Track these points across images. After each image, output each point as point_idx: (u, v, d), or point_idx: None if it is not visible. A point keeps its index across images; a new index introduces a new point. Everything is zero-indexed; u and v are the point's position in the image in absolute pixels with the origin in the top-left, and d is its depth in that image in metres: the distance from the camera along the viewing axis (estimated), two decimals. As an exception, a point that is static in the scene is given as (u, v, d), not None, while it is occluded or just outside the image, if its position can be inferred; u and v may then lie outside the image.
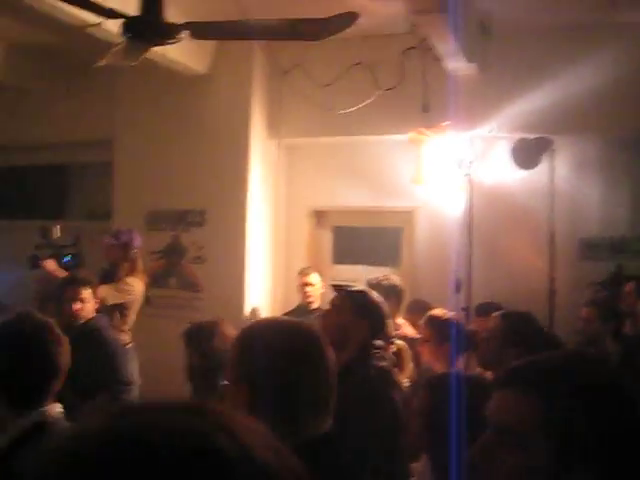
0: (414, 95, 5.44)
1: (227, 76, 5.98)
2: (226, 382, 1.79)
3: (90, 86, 6.49)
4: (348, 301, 3.09)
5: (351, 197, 6.15)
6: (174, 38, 3.02)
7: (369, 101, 5.47)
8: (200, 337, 4.18)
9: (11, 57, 6.28)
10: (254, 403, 1.64)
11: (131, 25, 2.96)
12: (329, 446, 1.68)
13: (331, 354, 1.77)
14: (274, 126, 6.14)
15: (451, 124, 5.18)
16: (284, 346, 1.70)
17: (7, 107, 6.99)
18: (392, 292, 4.74)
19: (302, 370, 1.67)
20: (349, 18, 2.86)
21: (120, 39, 3.16)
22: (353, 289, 3.21)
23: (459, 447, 1.94)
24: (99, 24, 4.14)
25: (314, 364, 1.71)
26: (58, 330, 2.10)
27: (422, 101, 5.39)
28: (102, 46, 4.42)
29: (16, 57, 6.32)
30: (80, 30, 4.49)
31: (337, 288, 3.27)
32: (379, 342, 3.11)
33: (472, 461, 1.25)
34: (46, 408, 1.98)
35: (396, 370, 3.17)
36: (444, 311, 3.72)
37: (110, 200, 6.59)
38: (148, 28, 2.97)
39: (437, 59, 5.17)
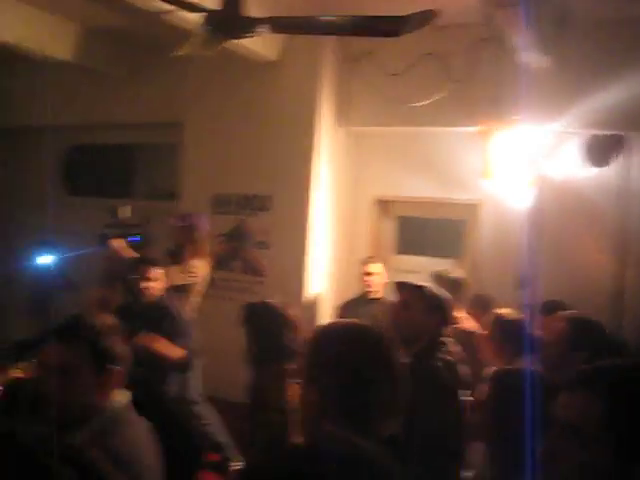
0: (485, 87, 5.36)
1: (297, 63, 6.00)
2: (297, 381, 1.83)
3: (163, 70, 6.60)
4: (420, 296, 3.11)
5: (416, 187, 6.11)
6: (253, 32, 3.06)
7: (441, 95, 5.40)
8: (256, 317, 4.24)
9: (87, 40, 6.43)
10: (323, 404, 1.68)
11: (212, 18, 3.00)
12: (395, 449, 1.71)
13: (399, 357, 1.80)
14: (342, 114, 6.13)
15: (522, 118, 5.08)
16: (353, 349, 1.73)
17: (83, 88, 7.17)
18: (456, 285, 4.74)
19: (370, 373, 1.70)
20: (428, 16, 2.84)
21: (199, 30, 3.21)
22: (421, 284, 3.21)
23: (526, 441, 1.95)
24: (174, 11, 4.21)
25: (382, 367, 1.73)
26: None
27: (493, 93, 5.30)
28: (177, 31, 4.50)
29: (92, 40, 6.46)
30: (155, 15, 4.57)
31: (402, 284, 3.28)
32: (445, 338, 3.13)
33: (541, 458, 1.32)
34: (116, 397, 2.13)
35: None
36: (512, 311, 3.68)
37: (177, 181, 6.72)
38: (228, 22, 3.01)
39: (510, 51, 5.07)
